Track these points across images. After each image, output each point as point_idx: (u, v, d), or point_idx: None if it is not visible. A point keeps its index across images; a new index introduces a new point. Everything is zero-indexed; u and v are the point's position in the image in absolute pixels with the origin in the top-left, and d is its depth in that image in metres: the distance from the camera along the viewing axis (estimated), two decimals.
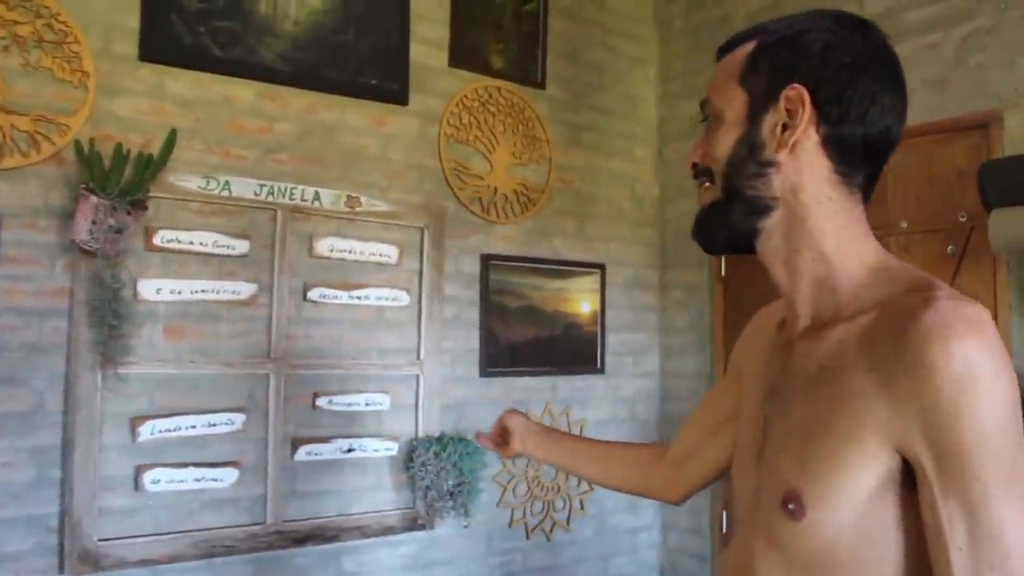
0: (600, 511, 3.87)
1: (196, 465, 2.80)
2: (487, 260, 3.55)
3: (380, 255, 3.24)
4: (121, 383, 2.68)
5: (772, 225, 1.03)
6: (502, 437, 1.61)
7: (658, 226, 4.19)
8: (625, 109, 4.12)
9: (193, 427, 2.80)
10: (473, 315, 3.51)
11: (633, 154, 4.13)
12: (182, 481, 2.77)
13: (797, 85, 0.98)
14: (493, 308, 3.56)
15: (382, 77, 3.28)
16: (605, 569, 3.89)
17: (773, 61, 1.00)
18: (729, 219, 1.05)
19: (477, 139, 3.56)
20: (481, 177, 3.56)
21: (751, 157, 1.01)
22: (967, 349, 0.83)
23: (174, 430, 2.77)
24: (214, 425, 2.84)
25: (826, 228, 1.00)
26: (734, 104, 1.03)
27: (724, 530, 3.78)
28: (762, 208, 1.02)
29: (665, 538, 4.09)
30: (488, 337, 3.53)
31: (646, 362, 4.11)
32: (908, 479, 0.88)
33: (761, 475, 1.03)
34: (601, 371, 3.91)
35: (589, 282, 3.89)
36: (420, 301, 3.34)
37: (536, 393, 3.68)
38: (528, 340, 3.66)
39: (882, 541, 0.90)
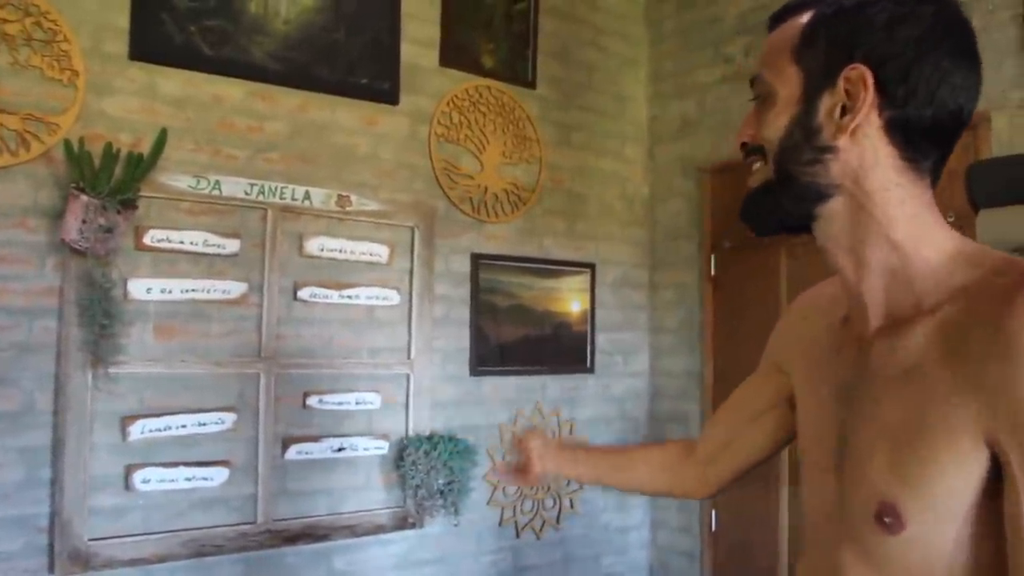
0: (590, 510, 3.88)
1: (186, 464, 2.80)
2: (477, 259, 3.55)
3: (370, 254, 3.24)
4: (111, 383, 2.68)
5: (831, 212, 0.94)
6: (519, 463, 1.51)
7: (648, 226, 4.20)
8: (615, 109, 4.13)
9: (183, 426, 2.80)
10: (463, 314, 3.51)
11: (623, 154, 4.14)
12: (172, 480, 2.77)
13: (859, 64, 0.88)
14: (483, 307, 3.56)
15: (373, 76, 3.28)
16: (595, 567, 3.90)
17: (831, 36, 0.90)
18: (781, 203, 0.96)
19: (467, 138, 3.56)
20: (471, 176, 3.56)
21: (806, 142, 0.92)
22: None
23: (164, 429, 2.76)
24: (204, 424, 2.84)
25: (896, 216, 0.91)
26: (787, 82, 0.94)
27: (714, 529, 3.80)
28: (819, 195, 0.93)
29: (655, 537, 4.11)
30: (478, 336, 3.54)
31: (636, 361, 4.13)
32: (1000, 481, 0.81)
33: (844, 484, 0.94)
34: (591, 370, 3.92)
35: (579, 281, 3.90)
36: (410, 300, 3.34)
37: (526, 392, 3.68)
38: (518, 339, 3.67)
39: (973, 552, 0.83)
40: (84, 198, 2.54)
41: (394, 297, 3.29)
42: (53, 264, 2.62)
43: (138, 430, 2.72)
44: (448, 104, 3.50)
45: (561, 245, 3.86)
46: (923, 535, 0.84)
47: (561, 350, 3.83)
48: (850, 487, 0.93)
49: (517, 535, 3.63)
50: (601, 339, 3.97)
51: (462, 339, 3.51)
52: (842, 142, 0.90)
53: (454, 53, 3.55)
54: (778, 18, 0.99)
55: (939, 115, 0.88)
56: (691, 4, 4.06)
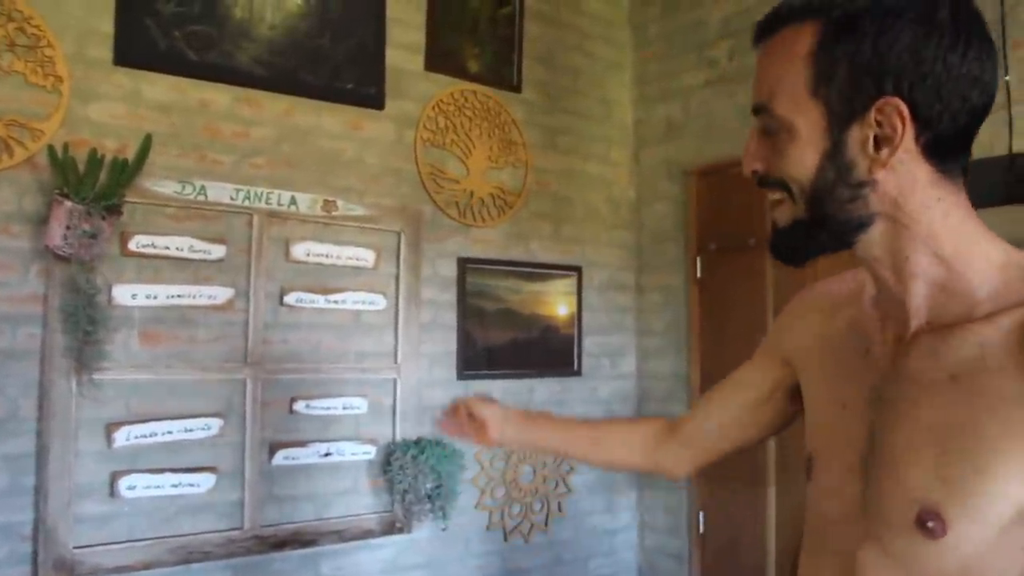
0: (578, 512, 3.89)
1: (172, 471, 2.79)
2: (464, 263, 3.56)
3: (357, 259, 3.24)
4: (96, 389, 2.67)
5: (872, 238, 0.91)
6: (473, 424, 1.51)
7: (634, 229, 4.22)
8: (601, 112, 4.14)
9: (169, 432, 2.79)
10: (450, 318, 3.52)
11: (609, 157, 4.16)
12: (158, 487, 2.76)
13: (892, 98, 0.83)
14: (470, 311, 3.57)
15: (358, 81, 3.28)
16: (583, 570, 3.91)
17: (853, 64, 0.84)
18: (819, 239, 0.92)
19: (453, 143, 3.56)
20: (457, 181, 3.56)
21: (841, 180, 0.87)
22: None
23: (150, 436, 2.75)
24: (190, 430, 2.83)
25: (940, 232, 0.88)
26: (807, 117, 0.87)
27: (701, 531, 3.82)
28: (859, 227, 0.90)
29: (643, 539, 4.11)
30: (465, 340, 3.54)
31: (623, 364, 4.14)
32: None
33: (872, 485, 0.92)
34: (578, 373, 3.92)
35: (566, 285, 3.91)
36: (397, 305, 3.34)
37: (513, 395, 3.68)
38: (505, 343, 3.68)
39: (1013, 560, 0.81)
40: (68, 204, 2.52)
41: (380, 302, 3.29)
42: (37, 270, 2.61)
43: (123, 436, 2.70)
44: (434, 108, 3.50)
45: (547, 249, 3.87)
46: (965, 542, 0.82)
47: (548, 353, 3.84)
48: (881, 489, 0.90)
49: (505, 539, 3.63)
50: (588, 342, 3.98)
51: (449, 343, 3.51)
52: (880, 175, 0.86)
53: (439, 58, 3.55)
54: (767, 29, 0.92)
55: (973, 118, 0.86)
56: (675, 8, 4.08)
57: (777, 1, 0.92)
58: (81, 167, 2.61)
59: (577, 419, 1.56)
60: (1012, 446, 0.79)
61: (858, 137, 0.85)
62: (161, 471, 2.77)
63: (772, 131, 0.91)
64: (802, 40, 0.87)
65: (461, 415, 1.52)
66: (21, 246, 2.59)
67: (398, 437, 3.28)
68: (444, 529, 3.34)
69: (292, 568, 3.04)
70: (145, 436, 2.74)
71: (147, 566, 2.71)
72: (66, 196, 2.53)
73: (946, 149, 0.86)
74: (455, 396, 3.43)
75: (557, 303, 3.87)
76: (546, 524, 3.76)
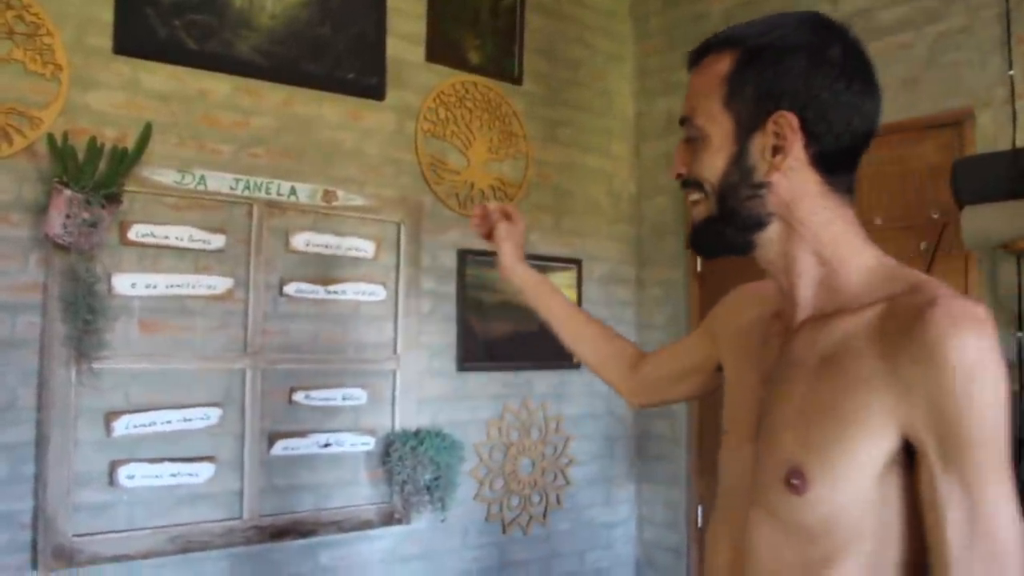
0: (576, 505, 3.89)
1: (172, 460, 2.79)
2: (464, 255, 3.55)
3: (357, 250, 3.23)
4: (95, 378, 2.66)
5: (769, 237, 1.09)
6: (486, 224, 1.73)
7: (635, 222, 4.21)
8: (602, 105, 4.13)
9: (169, 422, 2.79)
10: (450, 310, 3.51)
11: (610, 150, 4.15)
12: (158, 476, 2.76)
13: (786, 113, 1.02)
14: (470, 303, 3.56)
15: (359, 71, 3.27)
16: (581, 563, 3.91)
17: (758, 84, 1.03)
18: (725, 234, 1.11)
19: (454, 134, 3.55)
20: (458, 172, 3.56)
21: (743, 180, 1.06)
22: (977, 344, 0.91)
23: (149, 425, 2.75)
24: (190, 420, 2.83)
25: (823, 236, 1.07)
26: (720, 127, 1.06)
27: (700, 525, 3.82)
28: (758, 224, 1.08)
29: (641, 532, 4.12)
30: (465, 332, 3.54)
31: None
32: (907, 460, 0.96)
33: (760, 451, 1.09)
34: (577, 366, 3.91)
35: (566, 277, 3.91)
36: (397, 296, 3.34)
37: (513, 388, 3.69)
38: (505, 335, 3.67)
39: (881, 515, 0.97)
40: (68, 193, 2.52)
41: (380, 292, 3.28)
42: (36, 259, 2.60)
43: (123, 426, 2.70)
44: (435, 100, 3.50)
45: (548, 241, 3.86)
46: (823, 497, 0.98)
47: (548, 346, 3.76)
48: (764, 454, 1.07)
49: (503, 531, 3.63)
50: None
51: (449, 335, 3.50)
52: (775, 178, 1.05)
53: (441, 49, 3.54)
54: (698, 56, 1.12)
55: (856, 141, 1.05)
56: (676, 1, 4.07)
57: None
58: (81, 156, 2.60)
59: (577, 308, 1.75)
60: (864, 418, 0.96)
61: (759, 144, 1.04)
62: (160, 460, 2.77)
63: (693, 139, 1.11)
64: (721, 65, 1.07)
65: (492, 219, 1.74)
66: (20, 235, 2.58)
67: (397, 428, 3.28)
68: (443, 520, 3.34)
69: (291, 558, 3.04)
70: (144, 425, 2.74)
71: (146, 555, 2.71)
72: (65, 185, 2.53)
73: (832, 163, 1.05)
74: (454, 387, 3.45)
75: None
76: (544, 517, 3.77)
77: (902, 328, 0.95)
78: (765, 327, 1.20)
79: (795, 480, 1.00)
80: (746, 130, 1.05)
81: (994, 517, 0.91)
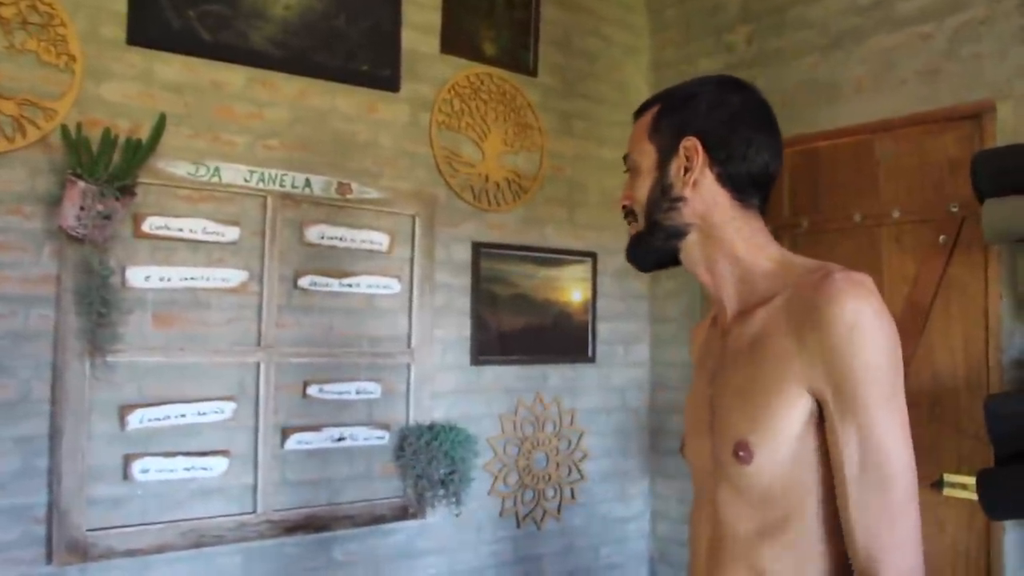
0: (590, 500, 3.87)
1: (185, 454, 2.78)
2: (478, 248, 3.53)
3: (371, 243, 3.21)
4: (109, 371, 2.65)
5: (689, 244, 1.32)
6: None
7: None
8: (617, 97, 4.10)
9: (182, 416, 2.77)
10: (464, 303, 3.49)
11: (625, 142, 4.10)
12: (171, 470, 2.75)
13: (691, 137, 1.27)
14: (484, 296, 3.54)
15: (373, 63, 3.25)
16: (595, 558, 3.89)
17: (672, 120, 1.30)
18: (653, 244, 1.34)
19: (469, 126, 3.53)
20: (472, 165, 3.53)
21: (663, 196, 1.30)
22: (854, 304, 1.09)
23: (163, 419, 2.74)
24: (203, 414, 2.82)
25: (735, 240, 1.28)
26: (647, 157, 1.33)
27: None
28: (678, 233, 1.31)
29: (655, 527, 4.10)
30: (479, 325, 3.52)
31: (637, 351, 4.11)
32: (822, 419, 1.13)
33: (715, 440, 1.26)
34: (592, 360, 3.90)
35: (580, 271, 3.88)
36: (411, 289, 3.32)
37: (527, 382, 3.66)
38: (519, 329, 3.65)
39: (807, 471, 1.15)
40: (82, 184, 2.50)
41: (395, 286, 3.27)
42: (50, 251, 2.59)
43: (136, 419, 2.69)
44: (449, 91, 3.47)
45: (562, 234, 3.84)
46: (766, 462, 1.16)
47: (562, 339, 3.81)
48: (718, 439, 1.25)
49: (518, 525, 3.61)
50: (602, 328, 3.95)
51: (463, 328, 3.48)
52: (688, 192, 1.28)
53: (455, 40, 3.51)
54: (639, 112, 1.39)
55: (752, 169, 1.28)
56: None
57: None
58: (94, 147, 2.59)
59: None
60: (787, 387, 1.14)
61: (675, 167, 1.30)
62: (174, 454, 2.76)
63: (632, 171, 1.36)
64: (649, 114, 1.36)
65: None
66: (34, 227, 2.57)
67: (411, 422, 3.26)
68: (457, 515, 3.32)
69: (304, 553, 3.03)
70: (158, 419, 2.73)
71: (160, 549, 2.71)
72: (79, 177, 2.51)
73: (736, 184, 1.28)
74: (468, 381, 3.44)
75: (571, 289, 3.84)
76: (559, 511, 3.75)
77: (803, 303, 1.15)
78: (709, 336, 1.41)
79: (742, 452, 1.18)
80: (665, 157, 1.30)
81: (882, 448, 1.07)
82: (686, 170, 1.28)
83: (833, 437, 1.11)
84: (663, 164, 1.30)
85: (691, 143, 1.27)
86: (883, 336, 1.09)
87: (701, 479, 1.33)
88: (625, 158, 1.38)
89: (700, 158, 1.26)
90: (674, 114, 1.31)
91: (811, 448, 1.14)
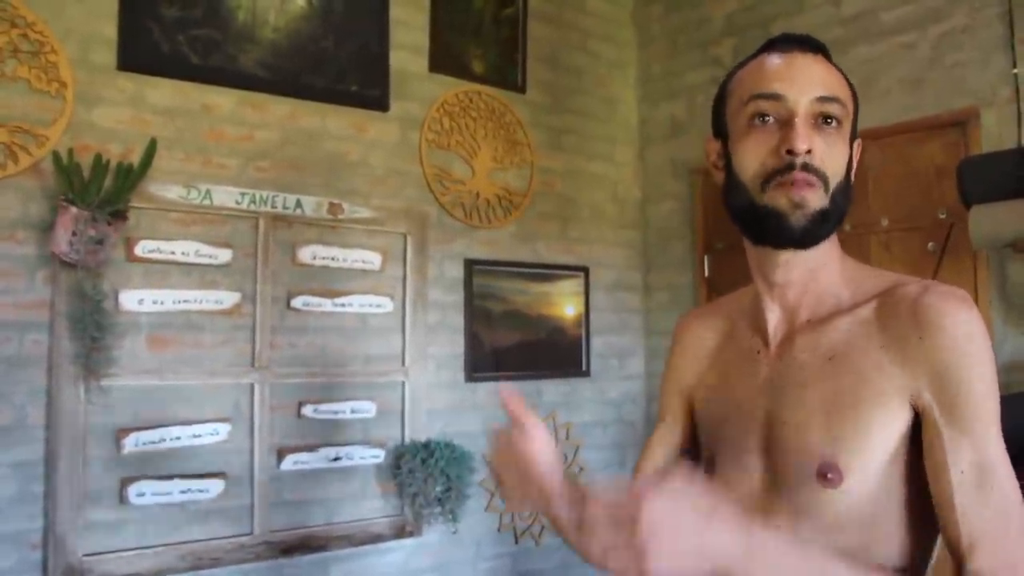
0: None
1: (181, 477, 2.78)
2: (470, 265, 3.54)
3: (363, 262, 3.22)
4: (104, 395, 2.66)
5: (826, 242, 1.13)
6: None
7: (640, 228, 4.20)
8: (605, 112, 4.13)
9: (178, 438, 2.78)
10: (457, 320, 3.50)
11: (614, 156, 4.14)
12: (168, 493, 2.75)
13: (860, 140, 1.13)
14: (477, 313, 3.55)
15: (362, 83, 3.27)
16: (593, 573, 3.87)
17: (855, 107, 1.12)
18: (828, 229, 1.10)
19: (458, 144, 3.55)
20: (463, 182, 3.55)
21: (848, 182, 1.10)
22: (967, 317, 1.00)
23: (158, 442, 2.74)
24: (199, 436, 2.82)
25: (836, 246, 1.15)
26: (848, 124, 1.10)
27: None
28: (839, 224, 1.12)
29: None
30: (473, 342, 3.52)
31: (631, 364, 4.12)
32: (913, 434, 1.02)
33: (778, 457, 1.10)
34: (587, 374, 3.91)
35: (573, 285, 3.90)
36: (404, 307, 3.33)
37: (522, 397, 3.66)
38: (513, 344, 3.66)
39: (896, 492, 1.03)
40: (74, 210, 2.51)
41: (388, 304, 3.28)
42: (43, 277, 2.60)
43: (132, 443, 2.69)
44: (438, 110, 3.49)
45: (554, 249, 3.86)
46: (857, 484, 1.02)
47: (556, 354, 3.82)
48: (785, 458, 1.09)
49: (516, 541, 3.61)
50: (596, 342, 3.96)
51: (457, 345, 3.49)
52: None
53: (443, 59, 3.54)
54: (814, 49, 1.10)
55: None
56: (678, 6, 4.07)
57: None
58: (86, 173, 2.60)
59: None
60: (884, 403, 1.02)
61: (854, 151, 1.14)
62: (170, 477, 2.76)
63: (827, 123, 1.10)
64: (840, 75, 1.12)
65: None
66: (27, 253, 2.58)
67: (407, 440, 3.26)
68: (454, 532, 3.32)
69: (302, 573, 3.02)
70: (153, 442, 2.73)
71: (157, 573, 2.70)
72: (71, 202, 2.52)
73: None
74: (463, 398, 3.44)
75: (564, 304, 3.86)
76: None
77: (901, 315, 1.04)
78: (748, 342, 1.22)
79: (830, 474, 1.03)
80: (854, 133, 1.12)
81: (999, 470, 0.97)
82: (850, 163, 1.11)
83: (937, 447, 0.99)
84: (852, 140, 1.11)
85: (860, 147, 1.14)
86: (990, 353, 1.00)
87: (740, 498, 1.11)
88: (830, 99, 1.06)
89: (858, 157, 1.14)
90: (855, 99, 1.12)
91: (899, 469, 1.03)
